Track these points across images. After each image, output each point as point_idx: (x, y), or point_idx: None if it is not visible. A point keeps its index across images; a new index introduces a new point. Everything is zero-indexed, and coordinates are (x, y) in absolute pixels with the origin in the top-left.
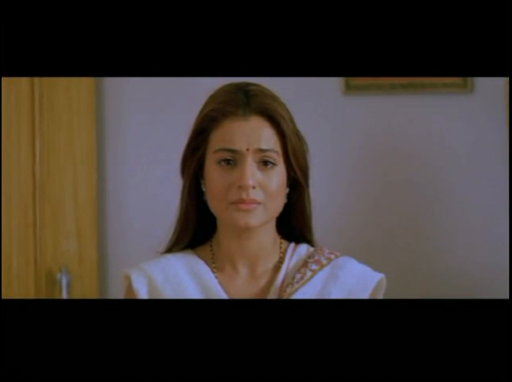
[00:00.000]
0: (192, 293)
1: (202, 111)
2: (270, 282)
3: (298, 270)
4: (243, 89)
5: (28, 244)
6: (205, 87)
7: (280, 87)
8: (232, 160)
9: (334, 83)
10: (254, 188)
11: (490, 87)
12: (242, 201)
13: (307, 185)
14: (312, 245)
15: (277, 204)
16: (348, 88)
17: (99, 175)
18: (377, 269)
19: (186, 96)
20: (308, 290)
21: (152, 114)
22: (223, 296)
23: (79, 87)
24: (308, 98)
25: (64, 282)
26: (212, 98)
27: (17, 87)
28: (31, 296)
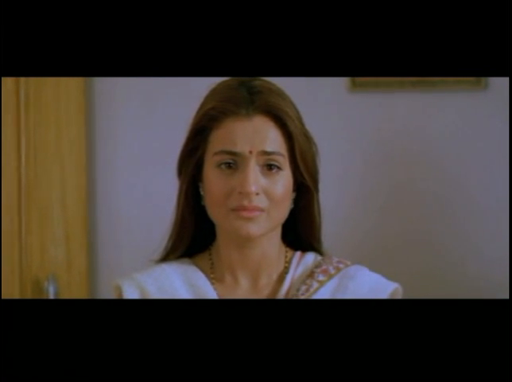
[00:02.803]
0: None
1: (201, 108)
2: (273, 294)
3: (304, 282)
4: (246, 85)
5: (13, 251)
6: (201, 85)
7: (282, 84)
8: (233, 163)
9: (339, 80)
10: (257, 194)
11: (506, 83)
12: (243, 208)
13: (316, 191)
14: (321, 254)
15: (282, 211)
16: (354, 85)
17: (89, 178)
18: (386, 274)
19: (179, 95)
20: None
21: (145, 114)
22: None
23: (67, 84)
24: (310, 95)
25: (51, 291)
26: (212, 94)
27: (2, 84)
28: None
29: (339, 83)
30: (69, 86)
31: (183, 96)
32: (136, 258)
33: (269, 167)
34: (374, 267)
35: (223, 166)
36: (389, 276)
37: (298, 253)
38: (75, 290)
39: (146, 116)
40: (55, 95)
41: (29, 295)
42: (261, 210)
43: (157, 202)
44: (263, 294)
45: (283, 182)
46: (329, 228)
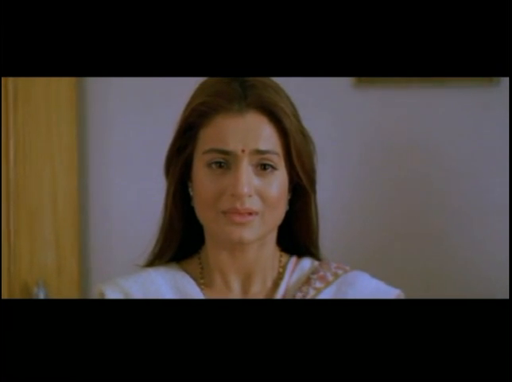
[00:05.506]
0: None
1: (190, 103)
2: None
3: (299, 289)
4: (239, 79)
5: (1, 255)
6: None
7: (284, 80)
8: (225, 163)
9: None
10: (250, 196)
11: None
12: (235, 211)
13: (313, 192)
14: (318, 259)
15: (277, 214)
16: (359, 82)
17: (81, 179)
18: (386, 275)
19: (173, 95)
20: None
21: (138, 114)
22: None
23: (58, 83)
24: (314, 91)
25: (41, 296)
26: (202, 88)
27: None
28: None
29: (344, 79)
30: (60, 84)
31: (177, 96)
32: (129, 263)
33: (263, 167)
34: (373, 269)
35: (213, 166)
36: (390, 277)
37: (294, 258)
38: (65, 296)
39: (139, 116)
40: (45, 93)
41: None
42: (255, 213)
43: (151, 205)
44: None
45: (278, 183)
46: (327, 231)
